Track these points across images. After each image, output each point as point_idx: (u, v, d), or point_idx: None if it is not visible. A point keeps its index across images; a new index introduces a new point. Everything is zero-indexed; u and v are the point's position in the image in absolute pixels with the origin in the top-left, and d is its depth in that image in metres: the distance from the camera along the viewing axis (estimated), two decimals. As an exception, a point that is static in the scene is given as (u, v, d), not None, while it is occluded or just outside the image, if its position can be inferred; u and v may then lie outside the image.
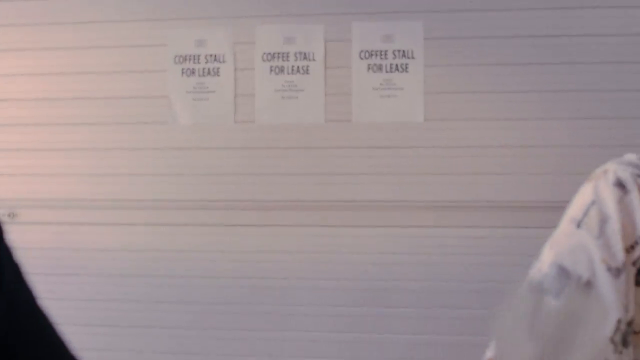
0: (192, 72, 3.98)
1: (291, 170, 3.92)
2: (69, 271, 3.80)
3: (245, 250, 3.91)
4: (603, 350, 1.23)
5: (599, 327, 1.24)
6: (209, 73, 3.98)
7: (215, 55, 3.97)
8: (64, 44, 3.87)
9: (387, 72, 3.83)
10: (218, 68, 3.96)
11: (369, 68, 3.84)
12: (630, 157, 1.35)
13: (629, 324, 1.29)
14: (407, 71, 3.81)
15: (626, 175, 1.32)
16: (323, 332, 3.66)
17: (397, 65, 3.82)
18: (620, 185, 1.32)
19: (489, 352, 1.28)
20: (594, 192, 1.32)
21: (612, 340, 1.24)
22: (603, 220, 1.30)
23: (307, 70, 3.90)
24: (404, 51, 3.80)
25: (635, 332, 1.31)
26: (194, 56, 3.98)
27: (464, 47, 3.75)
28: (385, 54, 3.82)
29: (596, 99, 3.41)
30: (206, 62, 3.98)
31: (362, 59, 3.84)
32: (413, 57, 3.79)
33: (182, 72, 3.99)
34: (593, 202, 1.32)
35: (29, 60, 3.88)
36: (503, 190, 3.54)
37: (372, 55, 3.83)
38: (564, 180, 3.35)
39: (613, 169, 1.33)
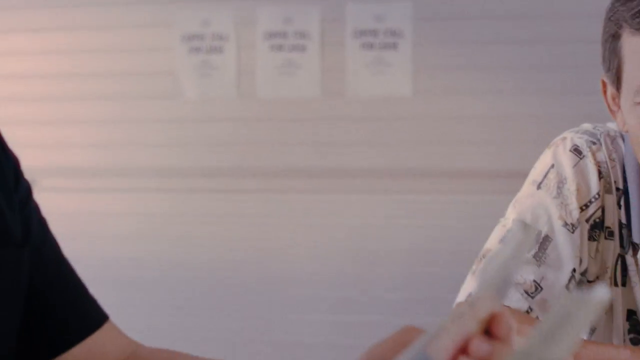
0: (197, 50, 3.99)
1: (289, 141, 3.93)
2: (83, 234, 3.84)
3: (247, 214, 3.92)
4: (559, 296, 1.29)
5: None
6: (213, 51, 3.98)
7: (219, 34, 3.96)
8: (79, 24, 3.87)
9: (378, 50, 3.83)
10: (221, 46, 3.96)
11: (361, 46, 3.85)
12: (586, 126, 1.41)
13: (583, 273, 1.35)
14: (396, 49, 3.81)
15: (582, 143, 1.38)
16: (317, 289, 3.70)
17: (387, 43, 3.82)
18: (577, 151, 1.38)
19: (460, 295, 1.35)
20: (553, 157, 1.39)
21: (567, 288, 1.30)
22: (561, 182, 1.36)
23: (304, 48, 3.90)
24: (394, 30, 3.80)
25: (589, 281, 1.37)
26: (199, 35, 3.97)
27: (450, 27, 3.74)
28: (377, 33, 3.82)
29: (566, 76, 3.44)
30: (210, 41, 3.98)
31: (355, 37, 3.85)
32: (402, 36, 3.79)
33: (188, 50, 4.00)
34: (552, 166, 1.38)
35: (46, 39, 3.89)
36: (486, 158, 3.57)
37: (364, 34, 3.83)
38: (540, 149, 3.40)
39: (570, 136, 1.39)
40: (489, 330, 0.67)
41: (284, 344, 3.66)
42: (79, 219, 3.84)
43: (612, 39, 1.30)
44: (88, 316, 1.02)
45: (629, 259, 1.38)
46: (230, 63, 3.97)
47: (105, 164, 3.96)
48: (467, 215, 3.53)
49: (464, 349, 0.65)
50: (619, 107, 1.32)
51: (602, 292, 0.61)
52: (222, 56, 3.97)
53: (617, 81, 1.30)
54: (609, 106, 1.35)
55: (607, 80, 1.34)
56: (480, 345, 0.65)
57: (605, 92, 1.36)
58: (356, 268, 3.65)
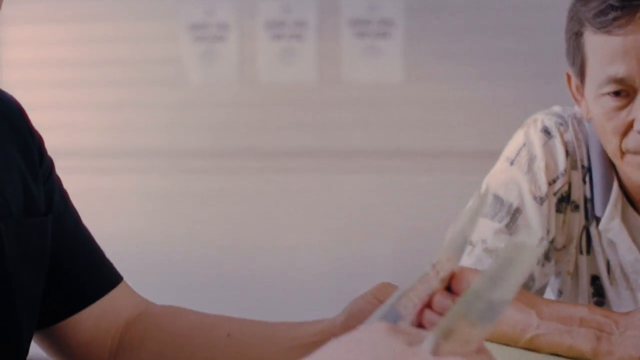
0: (202, 39, 3.99)
1: (288, 123, 3.94)
2: (92, 210, 3.86)
3: (248, 193, 3.94)
4: None
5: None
6: (216, 40, 3.98)
7: (222, 24, 3.96)
8: (90, 15, 3.87)
9: (371, 38, 3.84)
10: (224, 35, 3.96)
11: (356, 35, 3.85)
12: (556, 108, 1.47)
13: (551, 242, 1.41)
14: (389, 38, 3.82)
15: (551, 124, 1.43)
16: (315, 262, 3.74)
17: (380, 32, 3.83)
18: (546, 131, 1.43)
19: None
20: (525, 136, 1.44)
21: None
22: (531, 160, 1.41)
23: (302, 37, 3.91)
24: (386, 20, 3.81)
25: (556, 249, 1.43)
26: (203, 25, 3.97)
27: (439, 17, 3.74)
28: (370, 23, 3.83)
29: (545, 63, 3.46)
30: (214, 30, 3.98)
31: (350, 27, 3.85)
32: (394, 26, 3.80)
33: (193, 39, 4.00)
34: (524, 145, 1.43)
35: (59, 29, 3.90)
36: (473, 139, 3.59)
37: (358, 23, 3.83)
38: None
39: (541, 118, 1.45)
40: (450, 287, 0.74)
41: (284, 309, 3.68)
42: (89, 197, 3.85)
43: (575, 37, 1.34)
44: (104, 277, 1.07)
45: (593, 230, 1.43)
46: (232, 51, 3.97)
47: (114, 145, 3.98)
48: (456, 193, 3.54)
49: (428, 304, 0.72)
50: (583, 96, 1.36)
51: (535, 242, 0.68)
52: (225, 44, 3.97)
53: (581, 74, 1.35)
54: (573, 96, 1.40)
55: (571, 73, 1.38)
56: (441, 300, 0.72)
57: (569, 83, 1.40)
58: (351, 243, 3.68)
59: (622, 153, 1.31)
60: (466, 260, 1.33)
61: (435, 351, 0.66)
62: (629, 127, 1.27)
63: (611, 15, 1.24)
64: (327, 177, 3.91)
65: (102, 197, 3.87)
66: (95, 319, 1.05)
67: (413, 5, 3.76)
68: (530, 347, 1.15)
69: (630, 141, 1.28)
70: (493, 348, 1.16)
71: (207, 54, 4.00)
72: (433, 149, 3.64)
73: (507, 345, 1.17)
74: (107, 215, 3.84)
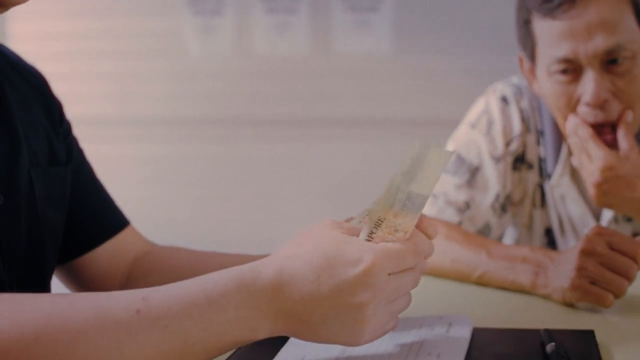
0: (199, 12, 4.00)
1: (283, 93, 3.97)
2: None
3: (244, 159, 3.99)
4: (485, 213, 1.49)
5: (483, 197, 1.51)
6: (213, 13, 3.99)
7: None
8: None
9: (361, 12, 3.86)
10: (221, 8, 3.97)
11: (347, 8, 3.87)
12: (514, 79, 1.60)
13: (507, 196, 1.55)
14: (378, 11, 3.84)
15: (509, 92, 1.57)
16: (304, 227, 3.84)
17: (370, 6, 3.85)
18: (504, 99, 1.56)
19: None
20: (485, 103, 1.58)
21: (492, 207, 1.50)
22: (490, 124, 1.54)
23: (295, 10, 3.92)
24: None
25: (513, 203, 1.58)
26: None
27: None
28: None
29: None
30: (211, 3, 3.99)
31: (341, 0, 3.87)
32: (383, 0, 3.83)
33: (192, 13, 4.01)
34: (484, 111, 1.57)
35: (64, 3, 3.98)
36: (457, 109, 3.65)
37: None
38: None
39: (500, 87, 1.58)
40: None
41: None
42: (94, 164, 3.94)
43: (524, 24, 1.44)
44: (115, 220, 1.21)
45: (546, 186, 1.56)
46: (229, 24, 3.99)
47: (115, 114, 4.02)
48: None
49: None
50: (535, 77, 1.47)
51: (444, 148, 0.82)
52: (222, 18, 3.99)
53: (532, 57, 1.45)
54: (526, 77, 1.51)
55: (523, 57, 1.49)
56: None
57: (522, 66, 1.51)
58: (341, 206, 3.75)
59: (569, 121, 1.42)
60: (429, 210, 1.46)
61: (369, 239, 0.82)
62: (578, 101, 1.39)
63: (556, 1, 1.36)
64: (319, 144, 3.94)
65: (104, 163, 3.86)
66: (107, 256, 1.18)
67: None
68: (481, 283, 1.28)
69: (579, 113, 1.40)
70: (449, 284, 1.32)
71: (205, 27, 4.02)
72: (421, 117, 3.68)
73: (462, 281, 1.31)
74: (108, 180, 3.83)
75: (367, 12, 3.87)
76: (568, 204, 1.54)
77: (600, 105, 1.36)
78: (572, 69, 1.38)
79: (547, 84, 1.43)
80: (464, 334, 0.93)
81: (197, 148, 4.07)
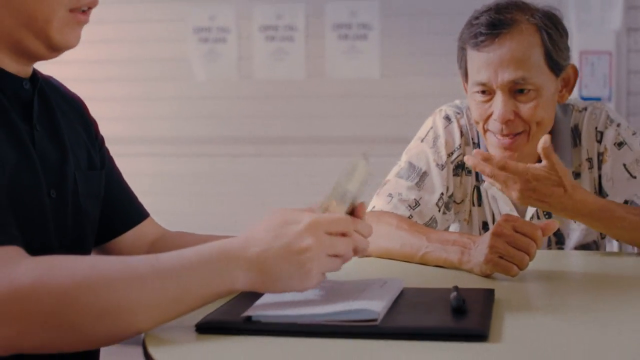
0: (205, 40, 4.18)
1: (280, 114, 4.15)
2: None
3: (245, 174, 4.16)
4: (431, 209, 1.80)
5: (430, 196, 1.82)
6: (218, 41, 4.17)
7: (223, 27, 4.16)
8: (109, 19, 3.99)
9: (352, 40, 4.06)
10: (225, 37, 4.16)
11: (338, 37, 4.08)
12: (456, 102, 1.92)
13: (451, 196, 1.85)
14: (367, 39, 4.05)
15: (451, 112, 1.88)
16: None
17: (359, 35, 4.06)
18: (447, 118, 1.87)
19: None
20: (432, 121, 1.88)
21: (437, 205, 1.81)
22: (436, 138, 1.85)
23: (292, 39, 4.11)
24: (365, 24, 4.04)
25: (456, 203, 1.88)
26: (207, 28, 4.17)
27: (410, 21, 3.99)
28: (351, 26, 4.06)
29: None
30: (216, 33, 4.17)
31: (333, 30, 4.08)
32: (372, 29, 4.04)
33: (198, 40, 4.19)
34: (431, 128, 1.87)
35: (83, 31, 4.21)
36: None
37: (340, 27, 4.06)
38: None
39: (444, 108, 1.90)
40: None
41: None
42: None
43: (462, 51, 1.76)
44: (138, 213, 1.49)
45: (482, 188, 1.86)
46: (232, 51, 4.17)
47: (129, 133, 4.18)
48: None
49: None
50: (467, 92, 1.79)
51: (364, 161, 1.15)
52: (226, 45, 4.18)
53: (465, 77, 1.77)
54: (465, 91, 1.82)
55: (461, 77, 1.81)
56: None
57: (464, 82, 1.82)
58: None
59: (485, 131, 1.74)
60: (386, 207, 1.76)
61: None
62: (490, 116, 1.71)
63: (480, 38, 1.67)
64: (313, 160, 4.11)
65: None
66: (132, 239, 1.46)
67: (387, 11, 4.02)
68: (423, 262, 1.57)
69: (490, 125, 1.71)
70: (397, 264, 1.63)
71: (210, 54, 4.19)
72: (405, 135, 3.80)
73: (407, 261, 1.61)
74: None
75: (357, 40, 4.06)
76: (499, 202, 1.84)
77: (504, 122, 1.67)
78: (487, 92, 1.70)
79: (471, 100, 1.75)
80: (397, 283, 1.26)
81: (202, 164, 4.23)
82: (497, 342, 1.05)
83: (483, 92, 1.71)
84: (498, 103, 1.68)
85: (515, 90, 1.68)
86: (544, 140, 1.51)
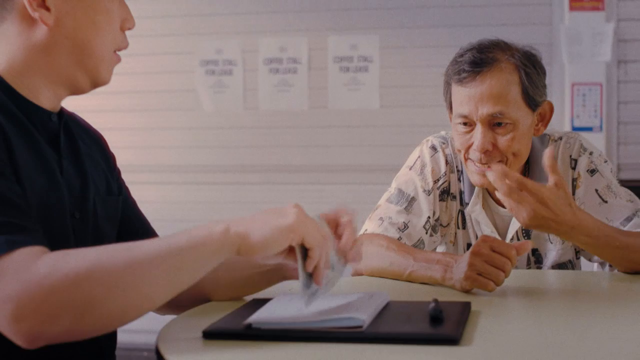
0: (213, 72, 4.27)
1: (284, 143, 4.24)
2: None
3: (251, 202, 4.23)
4: (419, 231, 1.94)
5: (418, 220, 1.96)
6: (225, 73, 4.27)
7: (229, 60, 4.26)
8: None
9: (353, 72, 4.17)
10: (231, 69, 4.25)
11: (340, 69, 4.18)
12: (442, 133, 2.06)
13: (437, 219, 1.99)
14: (367, 71, 4.16)
15: (437, 143, 2.02)
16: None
17: (360, 67, 4.16)
18: (433, 148, 2.01)
19: None
20: (420, 151, 2.02)
21: (424, 227, 1.95)
22: (423, 166, 1.98)
23: (296, 71, 4.21)
24: (365, 57, 4.15)
25: (443, 226, 2.01)
26: (214, 61, 4.27)
27: (407, 54, 4.11)
28: (352, 59, 4.16)
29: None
30: (223, 65, 4.27)
31: (335, 62, 4.18)
32: (372, 61, 4.15)
33: (205, 73, 4.29)
34: (418, 157, 2.01)
35: None
36: None
37: (342, 60, 4.17)
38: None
39: (431, 139, 2.04)
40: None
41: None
42: None
43: (447, 85, 1.90)
44: (148, 236, 1.54)
45: (466, 212, 1.99)
46: (238, 83, 4.26)
47: (139, 161, 4.26)
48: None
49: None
50: (451, 122, 1.94)
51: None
52: (232, 77, 4.27)
53: (450, 109, 1.91)
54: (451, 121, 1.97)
55: (447, 108, 1.95)
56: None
57: (449, 114, 1.96)
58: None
59: (466, 159, 1.87)
60: (377, 229, 1.89)
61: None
62: (470, 145, 1.84)
63: (463, 74, 1.81)
64: (316, 187, 4.19)
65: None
66: None
67: (386, 45, 4.13)
68: (409, 279, 1.69)
69: (470, 154, 1.85)
70: (386, 282, 1.76)
71: (217, 85, 4.29)
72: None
73: (396, 279, 1.73)
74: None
75: (358, 72, 4.17)
76: (481, 225, 1.97)
77: (483, 152, 1.81)
78: (468, 123, 1.84)
79: (454, 130, 1.89)
80: (383, 296, 1.40)
81: (209, 191, 4.32)
82: (468, 345, 1.19)
83: (465, 123, 1.85)
84: (478, 134, 1.81)
85: (494, 123, 1.81)
86: (547, 155, 1.60)
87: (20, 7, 1.30)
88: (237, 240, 1.18)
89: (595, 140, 3.87)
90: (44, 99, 1.35)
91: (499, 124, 1.82)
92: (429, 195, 1.96)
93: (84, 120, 1.56)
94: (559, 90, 4.02)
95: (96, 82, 1.38)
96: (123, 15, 1.40)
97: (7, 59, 1.32)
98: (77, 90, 1.38)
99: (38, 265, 1.05)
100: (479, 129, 1.82)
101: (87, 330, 1.09)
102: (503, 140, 1.82)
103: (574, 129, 3.98)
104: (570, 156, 1.95)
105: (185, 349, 1.20)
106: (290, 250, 1.25)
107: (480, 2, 4.07)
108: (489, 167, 1.83)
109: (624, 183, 3.76)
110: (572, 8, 3.99)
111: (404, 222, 1.92)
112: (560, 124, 3.98)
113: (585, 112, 3.99)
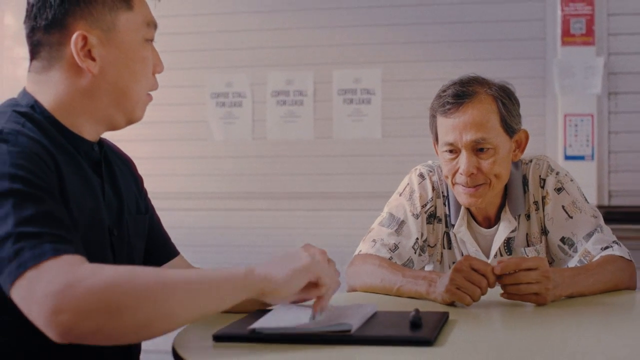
0: (223, 104, 4.39)
1: (291, 172, 4.34)
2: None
3: (259, 227, 4.34)
4: (408, 251, 2.11)
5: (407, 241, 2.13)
6: (234, 105, 4.39)
7: (239, 93, 4.38)
8: None
9: (356, 104, 4.29)
10: (241, 101, 4.37)
11: (344, 101, 4.30)
12: (429, 162, 2.23)
13: (425, 240, 2.15)
14: (370, 103, 4.28)
15: (424, 171, 2.19)
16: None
17: (363, 99, 4.28)
18: (421, 176, 2.18)
19: None
20: (409, 179, 2.19)
21: (413, 248, 2.12)
22: (412, 193, 2.16)
23: (302, 103, 4.33)
24: (368, 89, 4.28)
25: (430, 246, 2.18)
26: (224, 93, 4.39)
27: (408, 87, 4.23)
28: (356, 91, 4.29)
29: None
30: (232, 98, 4.39)
31: (339, 95, 4.30)
32: (374, 94, 4.28)
33: (216, 104, 4.40)
34: (408, 184, 2.18)
35: None
36: None
37: (346, 92, 4.29)
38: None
39: (419, 167, 2.21)
40: None
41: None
42: None
43: (432, 118, 2.09)
44: (171, 251, 1.77)
45: (451, 233, 2.17)
46: (247, 114, 4.38)
47: (152, 189, 4.11)
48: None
49: None
50: (437, 152, 2.12)
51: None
52: (241, 109, 4.39)
53: (436, 139, 2.09)
54: (436, 152, 2.15)
55: (433, 139, 2.14)
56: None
57: (434, 144, 2.15)
58: (340, 268, 4.15)
59: (453, 184, 2.05)
60: (370, 250, 2.06)
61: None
62: (457, 170, 2.02)
63: (447, 106, 2.00)
64: (321, 213, 4.30)
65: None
66: None
67: (388, 78, 4.28)
68: (398, 294, 1.87)
69: (457, 178, 2.03)
70: (376, 296, 1.94)
71: (227, 116, 4.40)
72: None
73: (386, 294, 1.90)
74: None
75: (361, 104, 4.30)
76: (467, 244, 2.15)
77: (469, 175, 1.99)
78: (454, 150, 2.02)
79: (441, 158, 2.07)
80: (371, 306, 1.59)
81: (219, 217, 4.42)
82: (441, 346, 1.39)
83: (451, 151, 2.03)
84: (463, 159, 2.00)
85: (477, 149, 2.00)
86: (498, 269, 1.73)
87: (68, 57, 1.45)
88: (260, 281, 1.32)
89: (587, 169, 4.05)
90: (87, 133, 1.50)
91: (482, 150, 2.00)
92: (417, 218, 2.13)
93: (114, 145, 1.72)
94: (552, 121, 4.17)
95: (131, 121, 1.54)
96: (154, 60, 1.57)
97: (55, 100, 1.47)
98: (113, 127, 1.55)
99: (80, 269, 1.21)
100: (463, 155, 2.00)
101: (113, 335, 1.20)
102: (486, 164, 2.00)
103: (567, 157, 4.14)
104: (540, 176, 2.12)
105: (198, 350, 1.39)
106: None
107: (477, 37, 4.22)
108: (474, 188, 2.00)
109: (615, 209, 3.98)
110: (564, 43, 4.15)
111: (394, 243, 2.09)
112: (554, 153, 4.13)
113: (578, 141, 4.13)
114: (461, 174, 2.01)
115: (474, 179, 2.01)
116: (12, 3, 4.63)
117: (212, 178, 4.44)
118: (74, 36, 1.44)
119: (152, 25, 1.55)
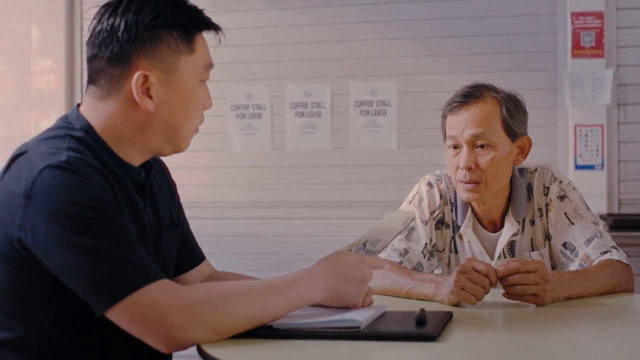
0: (243, 116, 4.45)
1: (309, 181, 4.40)
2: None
3: (279, 235, 4.39)
4: (418, 256, 2.21)
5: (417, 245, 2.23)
6: (254, 116, 4.44)
7: (258, 105, 4.44)
8: None
9: (372, 115, 4.34)
10: (260, 113, 4.43)
11: (360, 112, 4.35)
12: (437, 172, 2.34)
13: (434, 245, 2.25)
14: (386, 115, 4.34)
15: (433, 180, 2.29)
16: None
17: (379, 110, 4.34)
18: (430, 184, 2.28)
19: None
20: (418, 187, 2.29)
21: (422, 252, 2.22)
22: (421, 200, 2.26)
23: (319, 114, 4.39)
24: (383, 101, 4.34)
25: (439, 251, 2.28)
26: (244, 105, 4.45)
27: (422, 98, 4.29)
28: (371, 103, 4.34)
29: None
30: (252, 109, 4.44)
31: (356, 106, 4.36)
32: (390, 105, 4.34)
33: (236, 116, 4.46)
34: (417, 192, 2.29)
35: None
36: None
37: (362, 104, 4.35)
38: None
39: (428, 177, 2.30)
40: None
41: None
42: None
43: (443, 119, 2.19)
44: (199, 256, 1.85)
45: (457, 239, 2.26)
46: (266, 125, 4.44)
47: None
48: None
49: None
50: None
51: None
52: (261, 120, 4.44)
53: (445, 138, 2.18)
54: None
55: (443, 140, 2.23)
56: None
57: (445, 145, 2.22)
58: None
59: (457, 182, 2.14)
60: (382, 255, 2.14)
61: None
62: (458, 166, 2.12)
63: (454, 104, 2.12)
64: (337, 222, 4.35)
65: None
66: (193, 276, 1.80)
67: (403, 90, 4.34)
68: (406, 296, 1.95)
69: (457, 175, 2.14)
70: (386, 298, 2.03)
71: (246, 128, 4.46)
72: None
73: (396, 296, 1.99)
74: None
75: (377, 115, 4.36)
76: (472, 245, 2.24)
77: (468, 169, 2.09)
78: (456, 146, 2.14)
79: (446, 155, 2.18)
80: (381, 307, 1.69)
81: (239, 226, 4.48)
82: (444, 342, 1.48)
83: (454, 147, 2.15)
84: (463, 154, 2.11)
85: (477, 145, 2.10)
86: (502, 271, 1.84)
87: (127, 91, 1.50)
88: (329, 301, 1.53)
89: (598, 178, 4.12)
90: (134, 160, 1.57)
91: (482, 146, 2.10)
92: (426, 225, 2.23)
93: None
94: (562, 131, 4.24)
95: (177, 152, 1.61)
96: (205, 97, 1.60)
97: (108, 127, 1.52)
98: (159, 155, 1.62)
99: (182, 288, 1.38)
100: (464, 150, 2.11)
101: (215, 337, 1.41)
102: (484, 160, 2.10)
103: (577, 167, 4.22)
104: (544, 184, 2.21)
105: (220, 344, 1.49)
106: None
107: (490, 50, 4.29)
108: (473, 184, 2.10)
109: (624, 217, 4.05)
110: (574, 55, 4.22)
111: (405, 248, 2.19)
112: (564, 163, 4.20)
113: (588, 151, 4.20)
114: (461, 168, 2.12)
115: (472, 174, 2.10)
116: (39, 16, 4.72)
117: (232, 187, 4.49)
118: (136, 75, 1.48)
119: (210, 67, 1.59)
